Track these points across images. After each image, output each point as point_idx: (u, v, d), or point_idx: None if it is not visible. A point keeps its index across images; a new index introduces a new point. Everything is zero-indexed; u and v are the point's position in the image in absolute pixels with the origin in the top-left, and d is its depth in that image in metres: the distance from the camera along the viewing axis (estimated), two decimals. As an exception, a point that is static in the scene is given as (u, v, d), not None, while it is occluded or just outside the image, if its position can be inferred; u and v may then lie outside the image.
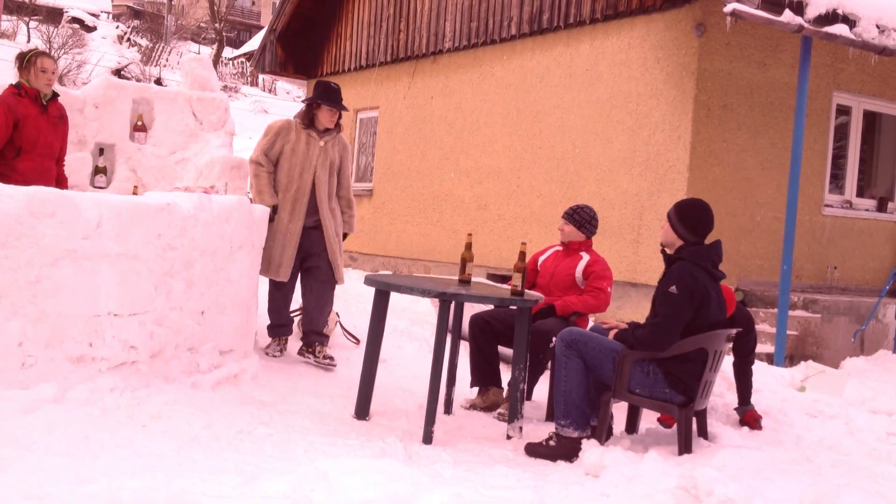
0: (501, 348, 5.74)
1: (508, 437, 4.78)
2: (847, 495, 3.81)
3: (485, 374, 5.59)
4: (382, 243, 12.41)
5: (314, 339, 6.13)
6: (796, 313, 8.14)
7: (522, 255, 4.97)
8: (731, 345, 5.48)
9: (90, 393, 4.32)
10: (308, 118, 6.01)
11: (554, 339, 5.12)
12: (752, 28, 8.49)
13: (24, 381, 4.18)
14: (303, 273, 6.19)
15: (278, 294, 6.21)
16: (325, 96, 5.96)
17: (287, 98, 35.16)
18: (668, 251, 4.79)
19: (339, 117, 6.15)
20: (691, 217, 4.71)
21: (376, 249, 12.53)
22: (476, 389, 5.67)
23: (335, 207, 6.20)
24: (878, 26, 7.73)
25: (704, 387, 4.42)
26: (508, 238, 10.26)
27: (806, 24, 7.34)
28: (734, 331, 4.79)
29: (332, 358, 6.08)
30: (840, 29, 7.51)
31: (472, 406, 5.55)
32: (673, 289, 4.44)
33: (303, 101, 5.97)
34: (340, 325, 6.91)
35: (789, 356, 7.74)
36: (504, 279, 9.13)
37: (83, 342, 4.37)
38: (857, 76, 9.43)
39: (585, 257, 5.89)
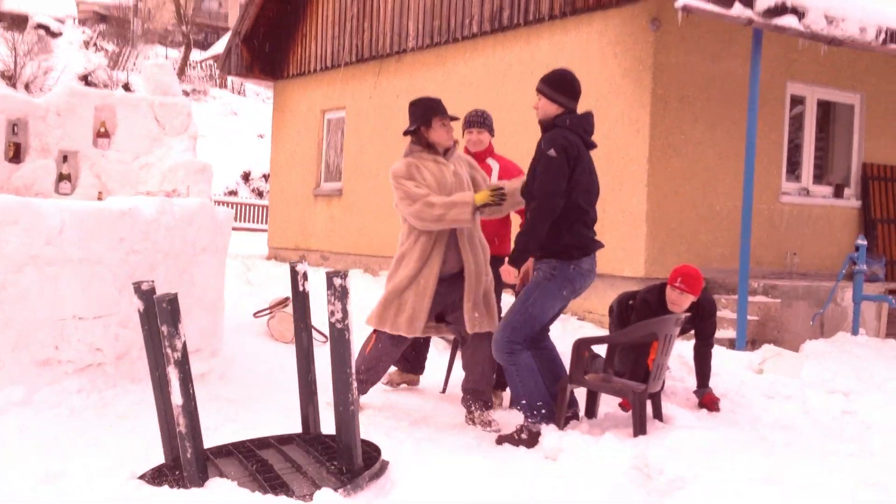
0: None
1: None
2: (796, 470, 3.96)
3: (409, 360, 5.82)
4: (353, 242, 12.50)
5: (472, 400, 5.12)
6: (757, 299, 8.33)
7: None
8: (689, 330, 5.63)
9: (58, 395, 4.41)
10: (425, 143, 5.14)
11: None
12: (706, 21, 8.66)
13: (-9, 385, 4.25)
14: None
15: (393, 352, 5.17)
16: (435, 109, 5.15)
17: (256, 100, 35.08)
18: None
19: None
20: (566, 83, 4.96)
21: (347, 248, 12.61)
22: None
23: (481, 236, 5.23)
24: (826, 17, 7.91)
25: (657, 370, 4.57)
26: (476, 234, 10.39)
27: (756, 17, 7.52)
28: (683, 315, 4.94)
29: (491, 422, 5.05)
30: (789, 21, 7.69)
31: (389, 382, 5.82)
32: (551, 151, 4.64)
33: (406, 134, 5.19)
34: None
35: (751, 341, 7.93)
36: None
37: (49, 345, 4.45)
38: (810, 66, 9.64)
39: (495, 165, 5.84)
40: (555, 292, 4.60)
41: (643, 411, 4.42)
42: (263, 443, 4.06)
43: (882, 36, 8.24)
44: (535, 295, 4.61)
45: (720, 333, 7.95)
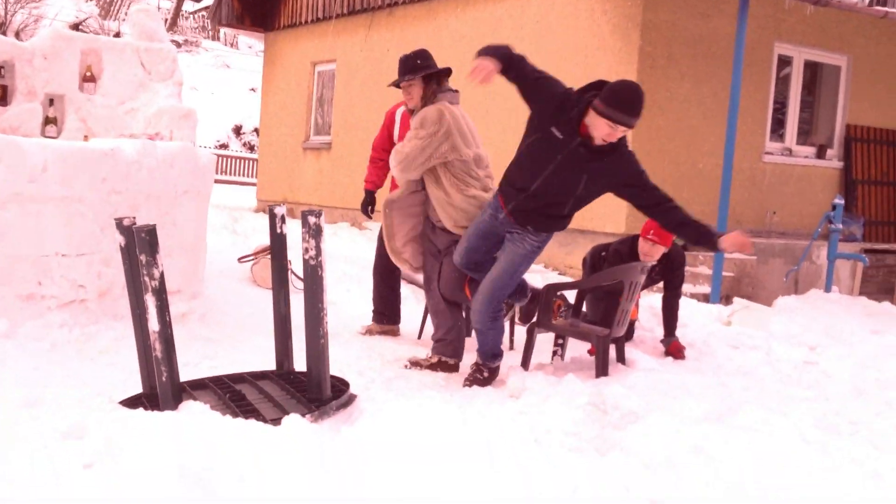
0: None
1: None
2: (749, 411, 4.13)
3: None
4: (341, 195, 12.58)
5: None
6: (733, 256, 8.47)
7: None
8: (659, 282, 5.78)
9: (40, 329, 4.54)
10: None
11: None
12: (695, -21, 8.72)
13: (-25, 317, 4.38)
14: None
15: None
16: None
17: (249, 53, 34.85)
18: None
19: None
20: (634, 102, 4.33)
21: (335, 202, 12.69)
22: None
23: None
24: (813, -23, 7.98)
25: (621, 315, 4.72)
26: (462, 188, 10.48)
27: (742, -25, 7.57)
28: (648, 264, 5.07)
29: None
30: (775, -20, 7.75)
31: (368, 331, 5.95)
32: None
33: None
34: (291, 270, 7.12)
35: (725, 296, 8.09)
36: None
37: (32, 281, 4.57)
38: (797, 27, 9.69)
39: None
40: (531, 263, 4.70)
41: (606, 354, 4.58)
42: (239, 378, 4.21)
43: (868, -3, 8.31)
44: (523, 267, 4.63)
45: (696, 288, 8.12)
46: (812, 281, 8.95)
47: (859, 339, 6.58)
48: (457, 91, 5.40)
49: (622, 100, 4.25)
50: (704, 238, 4.46)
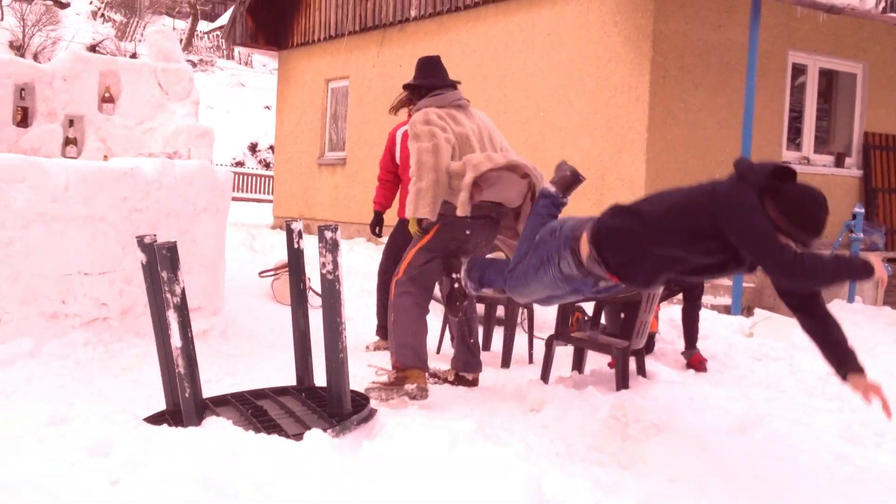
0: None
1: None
2: (771, 422, 4.11)
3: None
4: (357, 211, 12.62)
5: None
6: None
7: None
8: (678, 293, 5.76)
9: (64, 347, 4.59)
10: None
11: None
12: (707, -11, 8.73)
13: (1, 336, 4.42)
14: None
15: None
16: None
17: (264, 71, 35.10)
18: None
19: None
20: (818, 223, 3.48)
21: (351, 217, 12.74)
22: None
23: None
24: (825, -15, 7.98)
25: (640, 327, 4.71)
26: (477, 202, 10.50)
27: (754, -15, 7.58)
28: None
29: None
30: (788, -11, 7.76)
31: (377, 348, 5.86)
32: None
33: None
34: (310, 286, 7.16)
35: (746, 307, 8.05)
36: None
37: (56, 300, 4.61)
38: (811, 35, 9.68)
39: None
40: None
41: (626, 366, 4.56)
42: (260, 393, 4.23)
43: (882, 4, 8.27)
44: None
45: (717, 300, 8.08)
46: (834, 291, 8.88)
47: (883, 349, 6.53)
48: (448, 92, 4.82)
49: (806, 219, 3.45)
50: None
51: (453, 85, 4.87)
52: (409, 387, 4.25)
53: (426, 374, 4.46)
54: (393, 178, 6.14)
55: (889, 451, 3.98)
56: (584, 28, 9.26)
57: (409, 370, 4.35)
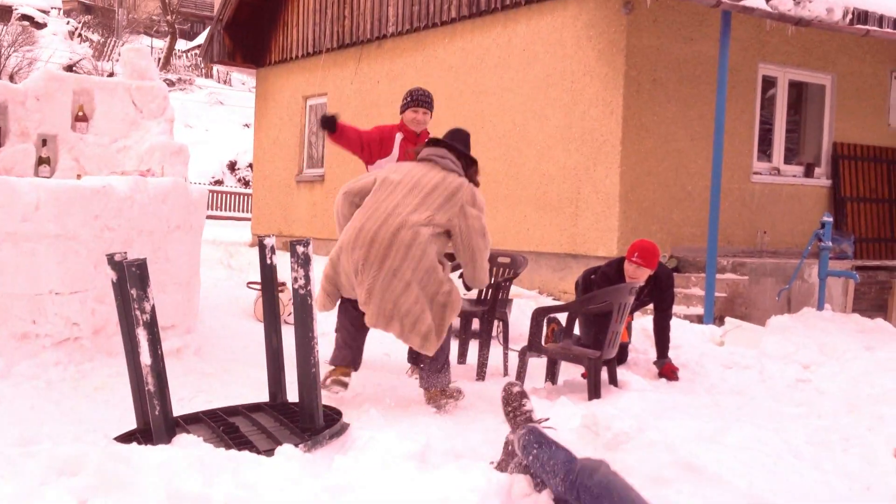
0: None
1: None
2: (740, 429, 4.15)
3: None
4: (335, 229, 12.62)
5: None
6: (725, 276, 8.53)
7: None
8: (649, 303, 5.82)
9: (35, 367, 4.57)
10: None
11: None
12: (678, 4, 8.84)
13: (-30, 358, 4.41)
14: None
15: None
16: None
17: (243, 89, 35.09)
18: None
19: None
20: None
21: (330, 234, 12.75)
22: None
23: None
24: (793, -2, 8.10)
25: (611, 337, 4.75)
26: (454, 216, 10.54)
27: (723, -1, 7.69)
28: (637, 284, 5.12)
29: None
30: (757, 2, 7.87)
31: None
32: None
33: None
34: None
35: (719, 317, 8.12)
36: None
37: (27, 320, 4.60)
38: (781, 47, 9.82)
39: None
40: None
41: (598, 376, 4.60)
42: (232, 410, 4.23)
43: (849, 16, 8.41)
44: None
45: (689, 310, 8.15)
46: (805, 299, 8.99)
47: (853, 355, 6.60)
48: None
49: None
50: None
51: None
52: (329, 379, 4.60)
53: (350, 371, 4.79)
54: (360, 152, 5.81)
55: (855, 456, 4.03)
56: (558, 43, 9.36)
57: (338, 367, 4.74)
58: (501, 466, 3.31)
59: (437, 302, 4.52)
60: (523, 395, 3.57)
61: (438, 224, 4.55)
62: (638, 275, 5.30)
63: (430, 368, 4.70)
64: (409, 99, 5.71)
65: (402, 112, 5.76)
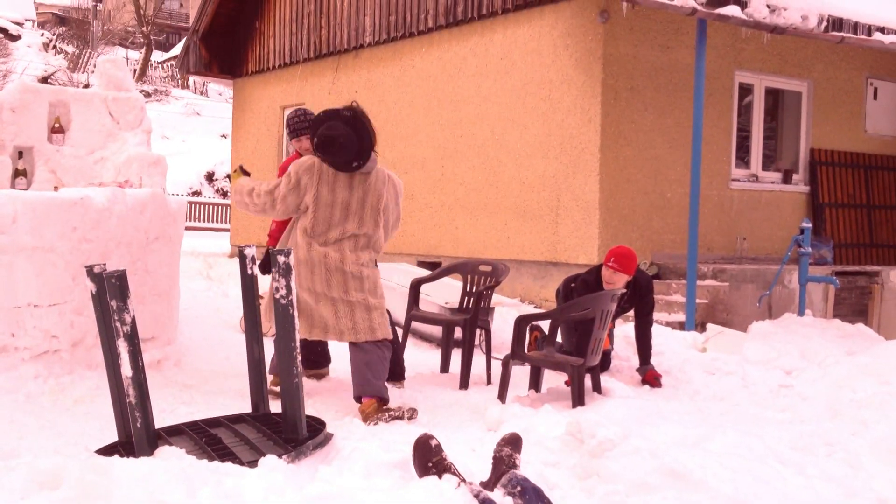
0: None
1: None
2: (724, 435, 4.16)
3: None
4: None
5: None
6: (706, 283, 8.57)
7: None
8: (629, 310, 5.83)
9: (14, 381, 4.51)
10: None
11: None
12: (654, 13, 8.90)
13: (-53, 372, 4.34)
14: None
15: None
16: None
17: (219, 99, 34.96)
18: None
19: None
20: None
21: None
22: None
23: None
24: (768, 6, 8.16)
25: (594, 344, 4.76)
26: (436, 226, 10.55)
27: (699, 7, 7.74)
28: (619, 291, 5.13)
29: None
30: (732, 10, 7.93)
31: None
32: None
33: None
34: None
35: (700, 323, 8.15)
36: (433, 266, 9.41)
37: (5, 333, 4.55)
38: (757, 55, 9.91)
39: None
40: None
41: (581, 384, 4.60)
42: (215, 422, 4.19)
43: (824, 24, 8.49)
44: None
45: (671, 317, 8.18)
46: (785, 305, 9.05)
47: (834, 360, 6.63)
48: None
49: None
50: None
51: None
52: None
53: None
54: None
55: (839, 461, 4.05)
56: (536, 52, 9.39)
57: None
58: (489, 484, 3.29)
59: None
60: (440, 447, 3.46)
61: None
62: (615, 280, 5.31)
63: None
64: (288, 130, 5.89)
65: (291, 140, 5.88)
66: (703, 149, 8.21)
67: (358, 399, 4.73)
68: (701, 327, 8.02)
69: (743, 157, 10.18)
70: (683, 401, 5.25)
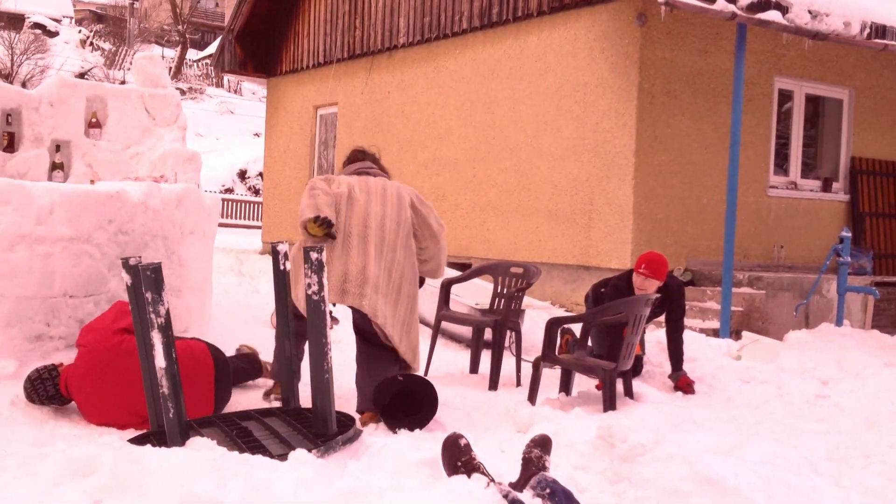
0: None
1: None
2: (759, 444, 4.09)
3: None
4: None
5: None
6: (742, 290, 8.46)
7: None
8: (660, 315, 5.76)
9: (49, 369, 4.53)
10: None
11: None
12: (693, 17, 8.80)
13: (-16, 359, 4.39)
14: None
15: None
16: None
17: (253, 98, 35.22)
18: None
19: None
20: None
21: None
22: None
23: None
24: (810, 11, 8.05)
25: (626, 349, 4.70)
26: (466, 227, 10.52)
27: (739, 12, 7.65)
28: (654, 296, 5.07)
29: None
30: (773, 15, 7.83)
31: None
32: None
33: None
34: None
35: (735, 331, 8.05)
36: (464, 267, 9.39)
37: (41, 322, 4.59)
38: (797, 61, 9.77)
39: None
40: None
41: (613, 388, 4.55)
42: (246, 415, 4.20)
43: (867, 30, 8.36)
44: None
45: (705, 324, 8.08)
46: (823, 315, 8.91)
47: (872, 371, 6.50)
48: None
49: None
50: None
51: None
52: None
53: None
54: None
55: (876, 473, 3.97)
56: (571, 55, 9.34)
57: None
58: (518, 485, 3.25)
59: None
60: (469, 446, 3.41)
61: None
62: (646, 286, 5.26)
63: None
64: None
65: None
66: (741, 155, 8.12)
67: (360, 412, 4.59)
68: (736, 335, 7.92)
69: (781, 164, 10.05)
70: (717, 408, 5.17)
